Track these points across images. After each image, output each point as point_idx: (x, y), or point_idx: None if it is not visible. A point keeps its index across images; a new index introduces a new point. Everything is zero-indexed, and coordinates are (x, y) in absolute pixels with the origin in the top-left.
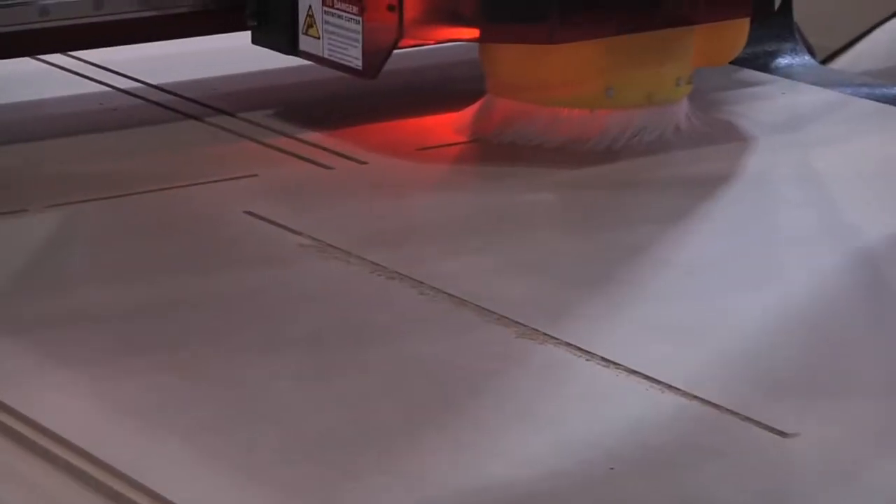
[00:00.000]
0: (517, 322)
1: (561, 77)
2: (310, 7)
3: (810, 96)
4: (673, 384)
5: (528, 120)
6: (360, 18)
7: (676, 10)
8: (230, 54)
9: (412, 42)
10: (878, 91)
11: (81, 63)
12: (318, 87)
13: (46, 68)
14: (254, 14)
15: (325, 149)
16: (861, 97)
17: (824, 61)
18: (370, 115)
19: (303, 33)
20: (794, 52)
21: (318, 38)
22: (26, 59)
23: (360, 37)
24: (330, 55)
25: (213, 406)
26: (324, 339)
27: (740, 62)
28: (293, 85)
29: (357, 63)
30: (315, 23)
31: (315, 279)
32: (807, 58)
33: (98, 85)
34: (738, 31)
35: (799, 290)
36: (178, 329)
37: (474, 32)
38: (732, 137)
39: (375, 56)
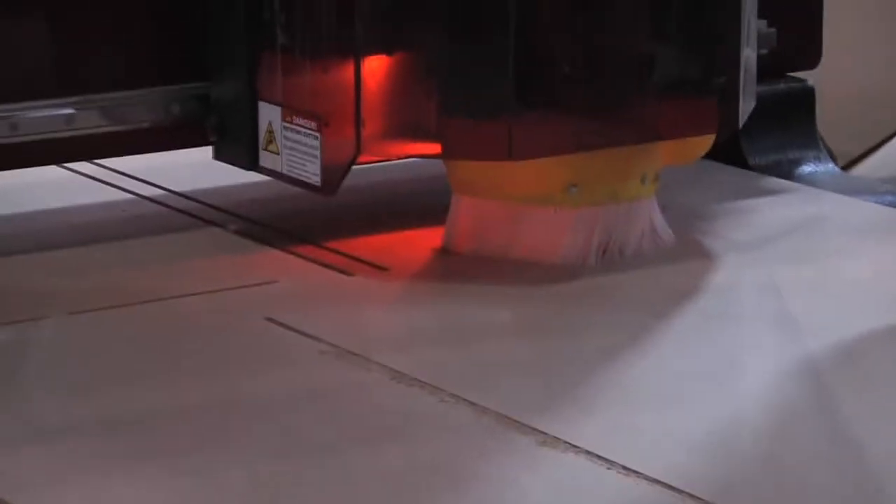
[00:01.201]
0: (538, 430)
1: (522, 174)
2: (269, 123)
3: (831, 205)
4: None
5: (491, 220)
6: (318, 134)
7: (642, 125)
8: None
9: (371, 158)
10: None
11: (103, 170)
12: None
13: (69, 175)
14: (215, 129)
15: (345, 255)
16: (885, 205)
17: (846, 167)
18: (390, 222)
19: (263, 149)
20: (817, 159)
21: (278, 154)
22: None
23: (318, 153)
24: (289, 171)
25: None
26: (343, 446)
27: (762, 169)
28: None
29: (316, 179)
30: (274, 139)
31: (335, 386)
32: (830, 165)
33: (121, 192)
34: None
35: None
36: (196, 434)
37: (435, 148)
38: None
39: (334, 172)
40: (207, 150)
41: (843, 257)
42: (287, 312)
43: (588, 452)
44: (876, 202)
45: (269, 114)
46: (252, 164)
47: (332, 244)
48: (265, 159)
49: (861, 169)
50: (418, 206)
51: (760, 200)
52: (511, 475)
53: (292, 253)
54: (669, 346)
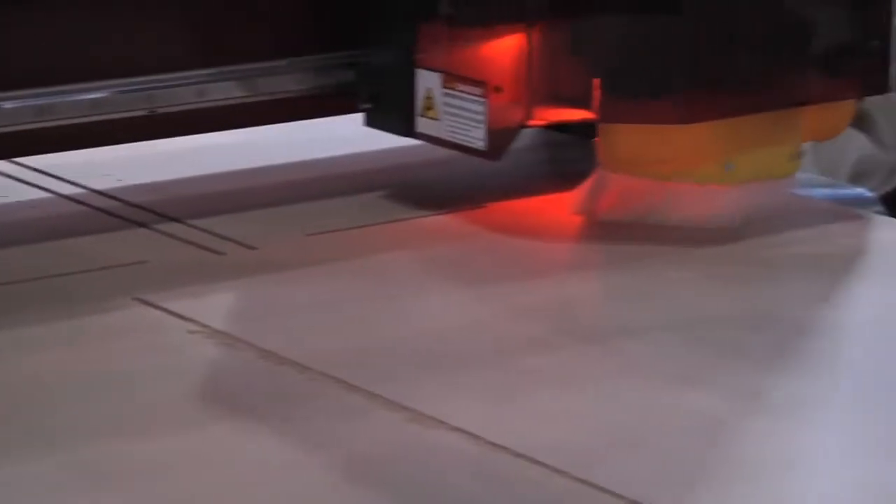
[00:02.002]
0: (407, 408)
1: (680, 152)
2: (428, 89)
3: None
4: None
5: (644, 196)
6: (484, 100)
7: (794, 90)
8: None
9: (537, 123)
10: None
11: None
12: (213, 177)
13: None
14: (368, 97)
15: (216, 234)
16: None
17: None
18: (269, 200)
19: (420, 115)
20: None
21: (437, 120)
22: None
23: (483, 118)
24: (450, 136)
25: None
26: (212, 425)
27: None
28: (186, 174)
29: (480, 144)
30: (434, 105)
31: (203, 365)
32: None
33: None
34: (844, 109)
35: None
36: (73, 408)
37: (600, 114)
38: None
39: (501, 137)
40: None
41: None
42: (156, 292)
43: (457, 429)
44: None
45: (427, 80)
46: (407, 130)
47: (203, 223)
48: (423, 125)
49: None
50: (297, 184)
51: None
52: (377, 451)
53: (162, 232)
54: None
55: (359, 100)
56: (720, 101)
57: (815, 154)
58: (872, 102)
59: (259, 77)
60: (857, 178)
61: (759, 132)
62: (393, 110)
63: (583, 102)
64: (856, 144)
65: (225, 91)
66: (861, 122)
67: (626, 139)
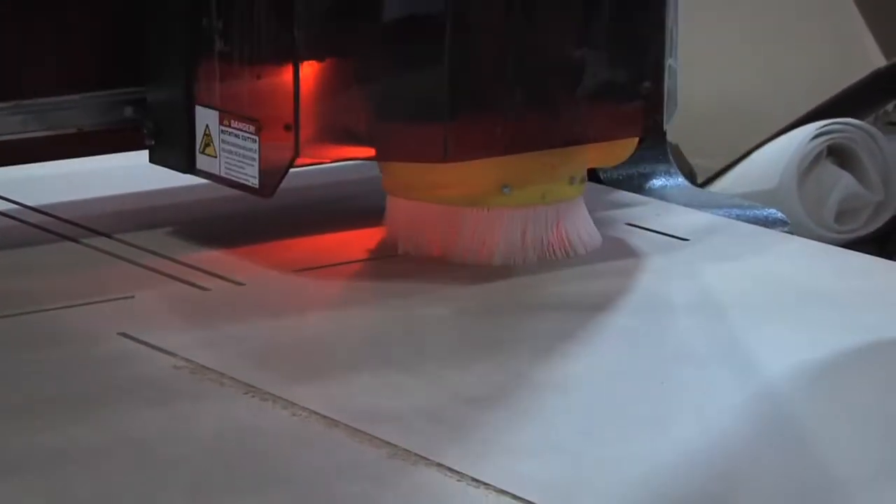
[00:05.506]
0: (389, 443)
1: (456, 176)
2: (207, 126)
3: (685, 217)
4: None
5: (423, 219)
6: (256, 138)
7: (570, 128)
8: (113, 175)
9: (309, 161)
10: (748, 213)
11: None
12: (201, 207)
13: None
14: (151, 133)
15: (202, 270)
16: (732, 219)
17: (706, 183)
18: (254, 236)
19: (200, 152)
20: (668, 173)
21: (215, 157)
22: None
23: (256, 155)
24: (227, 174)
25: None
26: (195, 462)
27: (614, 183)
28: (173, 206)
29: (254, 181)
30: (212, 142)
31: (188, 401)
32: (681, 179)
33: None
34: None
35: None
36: (43, 443)
37: (370, 151)
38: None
39: (272, 175)
40: (63, 164)
41: None
42: (142, 327)
43: (439, 465)
44: (723, 216)
45: (206, 118)
46: (189, 167)
47: (190, 259)
48: (202, 162)
49: (718, 185)
50: (287, 219)
51: (613, 213)
52: (358, 488)
53: (148, 268)
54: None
55: (144, 136)
56: (490, 138)
57: (800, 193)
58: (858, 141)
59: (49, 111)
60: (842, 216)
61: (539, 159)
62: (175, 147)
63: (362, 139)
64: (841, 183)
65: (14, 125)
66: (846, 161)
67: (404, 164)
